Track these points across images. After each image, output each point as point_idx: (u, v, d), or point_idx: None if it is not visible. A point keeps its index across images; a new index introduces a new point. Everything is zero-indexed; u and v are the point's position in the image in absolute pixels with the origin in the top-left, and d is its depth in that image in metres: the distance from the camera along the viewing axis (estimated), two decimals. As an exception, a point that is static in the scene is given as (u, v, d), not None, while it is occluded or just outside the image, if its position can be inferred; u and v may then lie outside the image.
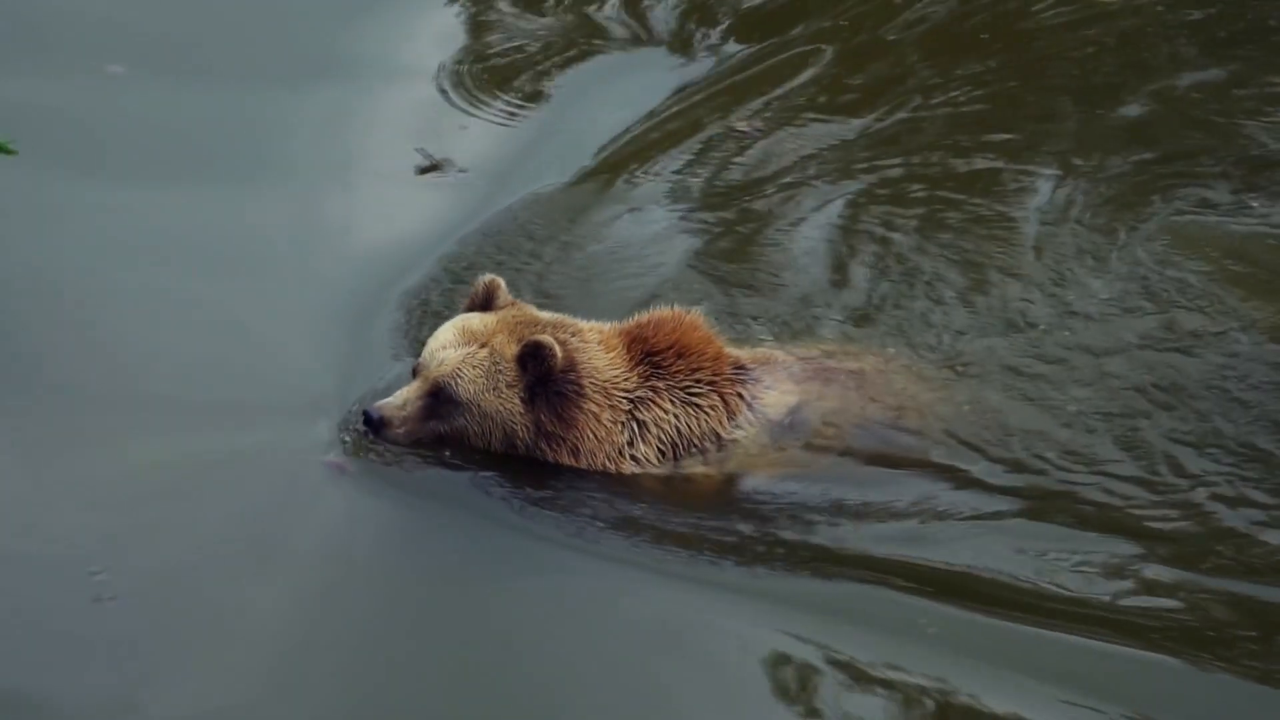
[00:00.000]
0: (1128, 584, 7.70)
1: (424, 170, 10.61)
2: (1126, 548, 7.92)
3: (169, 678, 7.17)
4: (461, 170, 10.68)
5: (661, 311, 8.33)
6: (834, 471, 8.26)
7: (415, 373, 8.10)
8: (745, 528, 7.99)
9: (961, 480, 8.24)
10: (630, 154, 11.02)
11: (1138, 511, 8.10)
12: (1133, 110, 11.17)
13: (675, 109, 11.44)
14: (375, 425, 7.92)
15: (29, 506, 8.00)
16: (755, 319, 9.23)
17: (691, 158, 10.93)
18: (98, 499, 8.00)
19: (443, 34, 12.03)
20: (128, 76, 11.15)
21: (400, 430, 7.95)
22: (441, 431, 8.00)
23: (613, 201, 10.46)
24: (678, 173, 10.77)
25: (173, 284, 9.34)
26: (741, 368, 8.32)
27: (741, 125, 11.04)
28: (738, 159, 10.86)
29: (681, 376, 8.17)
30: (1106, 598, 7.64)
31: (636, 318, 8.36)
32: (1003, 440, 8.37)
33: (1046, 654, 7.36)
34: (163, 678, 7.18)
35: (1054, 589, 7.67)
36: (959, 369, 8.72)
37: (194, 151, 10.60)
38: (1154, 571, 7.78)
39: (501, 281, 8.25)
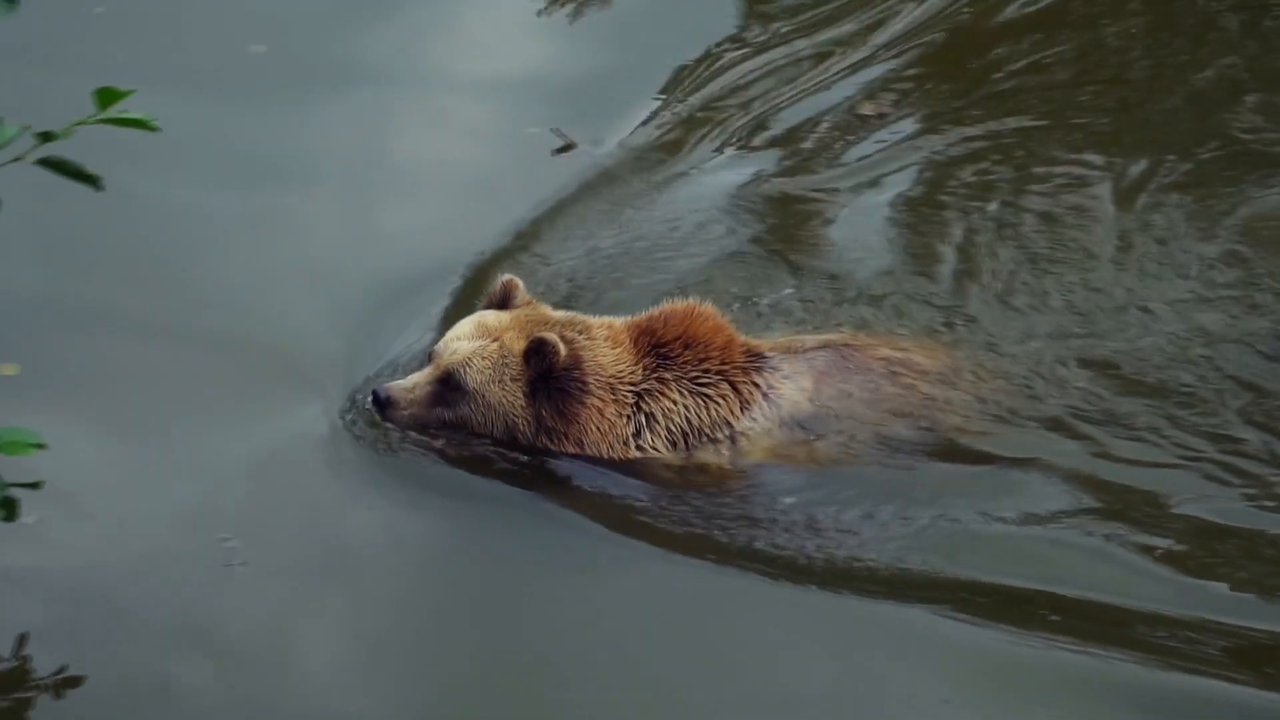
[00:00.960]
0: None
1: (560, 150, 10.82)
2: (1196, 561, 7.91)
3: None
4: (596, 147, 10.79)
5: (673, 304, 8.48)
6: (851, 467, 8.33)
7: (429, 360, 8.37)
8: (755, 521, 8.10)
9: (991, 484, 8.26)
10: (755, 135, 11.14)
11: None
12: (1241, 105, 11.09)
13: (794, 93, 11.51)
14: (382, 405, 8.24)
15: (160, 474, 8.28)
16: (841, 304, 9.35)
17: (816, 140, 11.04)
18: (225, 467, 8.37)
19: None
20: (268, 55, 11.35)
21: (406, 413, 8.26)
22: (446, 418, 8.28)
23: (729, 183, 10.62)
24: (803, 155, 10.87)
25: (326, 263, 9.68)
26: (757, 356, 8.44)
27: (868, 109, 11.05)
28: (863, 141, 10.96)
29: (689, 367, 8.34)
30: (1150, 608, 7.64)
31: (648, 311, 8.54)
32: (1051, 449, 8.38)
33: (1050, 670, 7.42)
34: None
35: (1097, 600, 7.66)
36: (1025, 370, 8.74)
37: (330, 132, 10.87)
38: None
39: (519, 282, 8.50)
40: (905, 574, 7.85)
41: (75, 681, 7.26)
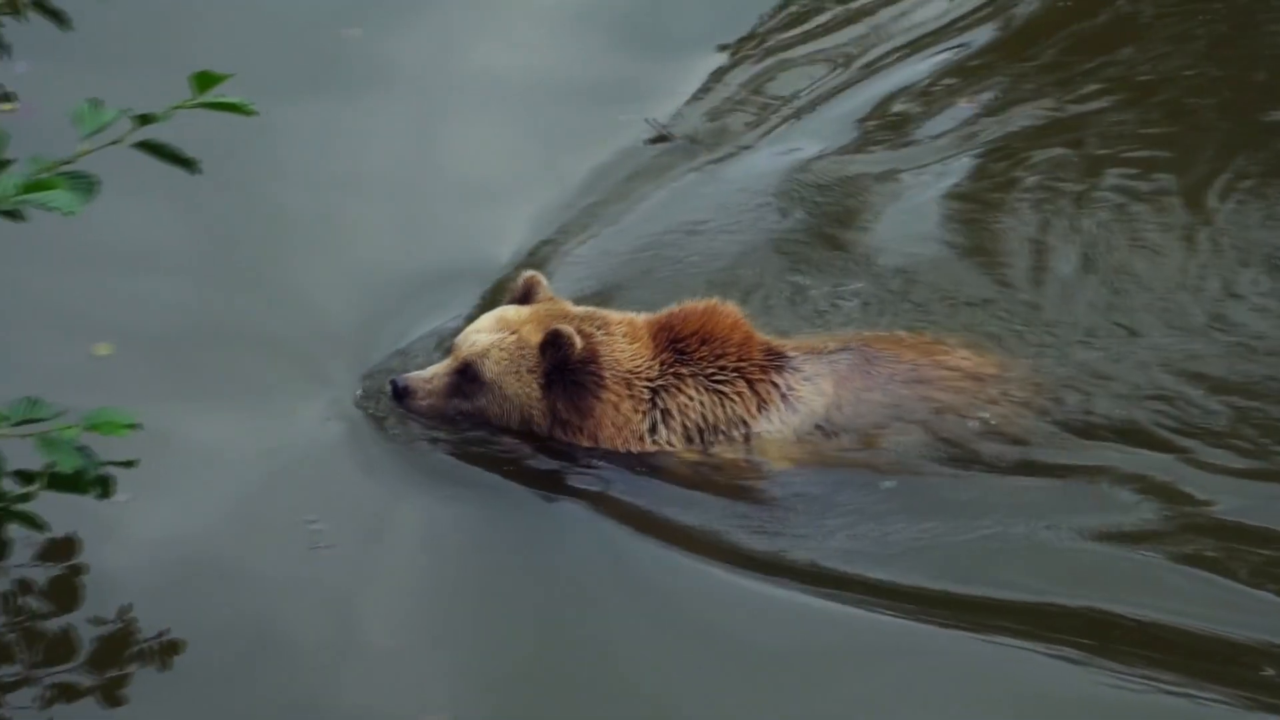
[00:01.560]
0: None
1: (653, 140, 10.82)
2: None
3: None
4: (691, 140, 10.77)
5: (694, 302, 8.48)
6: (866, 472, 8.28)
7: (449, 352, 8.44)
8: (765, 520, 8.10)
9: (1017, 502, 8.13)
10: (851, 125, 11.11)
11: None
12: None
13: (891, 90, 11.45)
14: (400, 394, 8.32)
15: (243, 454, 8.36)
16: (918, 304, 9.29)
17: (913, 135, 10.99)
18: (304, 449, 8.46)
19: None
20: (364, 39, 11.40)
21: (424, 402, 8.34)
22: (464, 409, 8.34)
23: (830, 174, 10.54)
24: (862, 143, 10.86)
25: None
26: (778, 356, 8.41)
27: (962, 103, 11.00)
28: (961, 138, 10.89)
29: (705, 363, 8.35)
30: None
31: (668, 308, 8.53)
32: (1094, 458, 8.28)
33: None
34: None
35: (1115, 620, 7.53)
36: (1075, 375, 8.66)
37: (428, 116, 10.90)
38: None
39: (541, 278, 8.56)
40: (921, 590, 7.76)
41: (176, 646, 7.39)
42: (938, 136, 10.91)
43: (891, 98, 11.33)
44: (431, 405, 8.36)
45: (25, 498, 5.77)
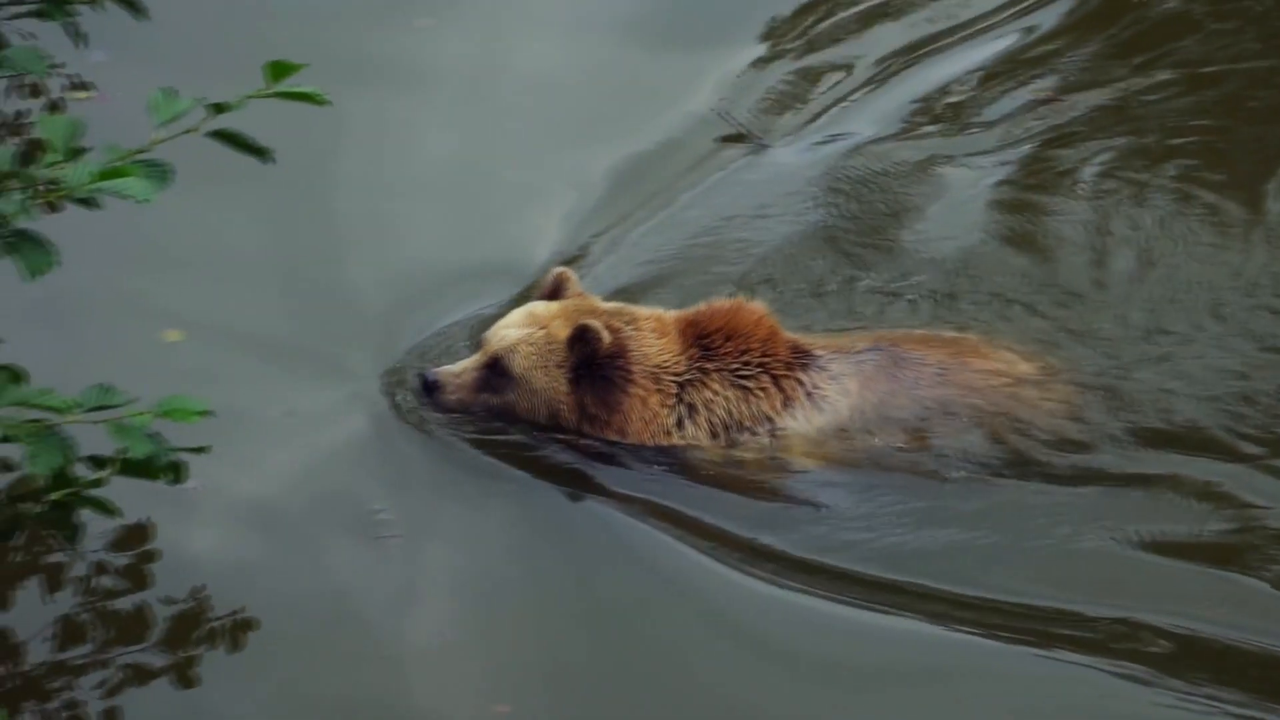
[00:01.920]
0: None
1: (732, 138, 10.81)
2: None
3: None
4: (762, 141, 10.74)
5: (721, 300, 8.51)
6: (889, 474, 8.28)
7: (479, 347, 8.47)
8: (799, 521, 8.12)
9: (1042, 509, 8.09)
10: (935, 118, 11.07)
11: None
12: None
13: (963, 78, 11.40)
14: (429, 388, 8.37)
15: (309, 445, 8.45)
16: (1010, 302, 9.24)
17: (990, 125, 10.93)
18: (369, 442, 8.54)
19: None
20: (435, 29, 11.43)
21: (453, 397, 8.38)
22: (493, 404, 8.38)
23: (920, 167, 10.53)
24: (973, 140, 10.80)
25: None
26: (804, 354, 8.42)
27: (1042, 94, 10.93)
28: (1038, 127, 10.82)
29: (730, 359, 8.36)
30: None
31: (696, 306, 8.56)
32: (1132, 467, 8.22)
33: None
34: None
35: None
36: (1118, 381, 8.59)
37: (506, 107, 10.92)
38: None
39: (571, 274, 8.59)
40: (939, 592, 7.77)
41: (250, 624, 7.46)
42: (996, 124, 10.84)
43: (951, 84, 11.27)
44: (460, 400, 8.41)
45: (97, 483, 5.79)
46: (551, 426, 8.40)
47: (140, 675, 7.27)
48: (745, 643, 7.62)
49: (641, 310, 8.50)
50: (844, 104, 11.14)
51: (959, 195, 10.17)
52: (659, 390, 8.32)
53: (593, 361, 8.26)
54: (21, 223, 5.32)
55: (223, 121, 5.55)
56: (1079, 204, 9.97)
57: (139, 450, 5.53)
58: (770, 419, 8.33)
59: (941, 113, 11.03)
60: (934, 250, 9.66)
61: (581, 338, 8.21)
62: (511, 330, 8.36)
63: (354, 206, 10.08)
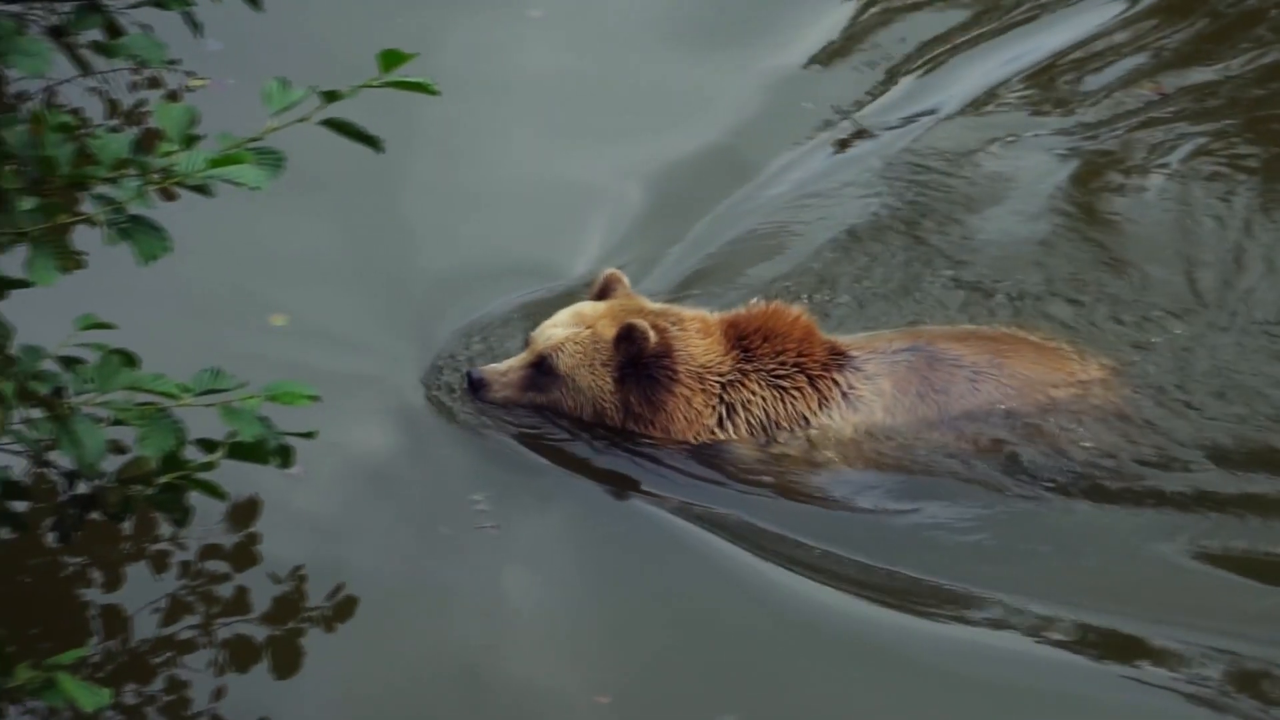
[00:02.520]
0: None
1: (843, 136, 10.78)
2: None
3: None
4: (868, 133, 10.74)
5: (758, 305, 8.57)
6: (921, 476, 8.30)
7: (526, 345, 8.55)
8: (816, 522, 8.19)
9: (1067, 516, 8.09)
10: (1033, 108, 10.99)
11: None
12: None
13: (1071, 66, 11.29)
14: (475, 385, 8.47)
15: (402, 435, 8.56)
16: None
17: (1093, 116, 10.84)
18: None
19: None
20: (545, 21, 11.47)
21: (499, 395, 8.48)
22: (539, 402, 8.47)
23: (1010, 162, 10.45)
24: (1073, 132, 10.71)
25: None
26: (840, 354, 8.46)
27: (1147, 87, 10.82)
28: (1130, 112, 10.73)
29: (767, 359, 8.42)
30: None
31: (737, 308, 8.64)
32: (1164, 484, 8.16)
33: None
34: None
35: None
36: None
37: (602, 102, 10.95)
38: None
39: (621, 275, 8.66)
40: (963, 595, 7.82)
41: (348, 607, 7.53)
42: (1083, 109, 10.75)
43: (1046, 63, 11.18)
44: (506, 397, 8.49)
45: (207, 467, 5.85)
46: (596, 424, 8.47)
47: (240, 655, 7.37)
48: (822, 640, 7.70)
49: (687, 311, 8.57)
50: (921, 87, 11.08)
51: (1038, 185, 10.10)
52: (703, 390, 8.38)
53: (639, 361, 8.33)
54: (137, 209, 5.36)
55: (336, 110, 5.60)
56: (1161, 193, 9.90)
57: (248, 433, 5.60)
58: (807, 419, 8.37)
59: (1026, 95, 10.96)
60: (1011, 243, 9.62)
61: (628, 337, 8.29)
62: (558, 329, 8.44)
63: (433, 196, 10.15)
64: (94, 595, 7.54)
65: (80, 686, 5.60)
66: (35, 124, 5.40)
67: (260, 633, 7.44)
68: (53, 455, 5.99)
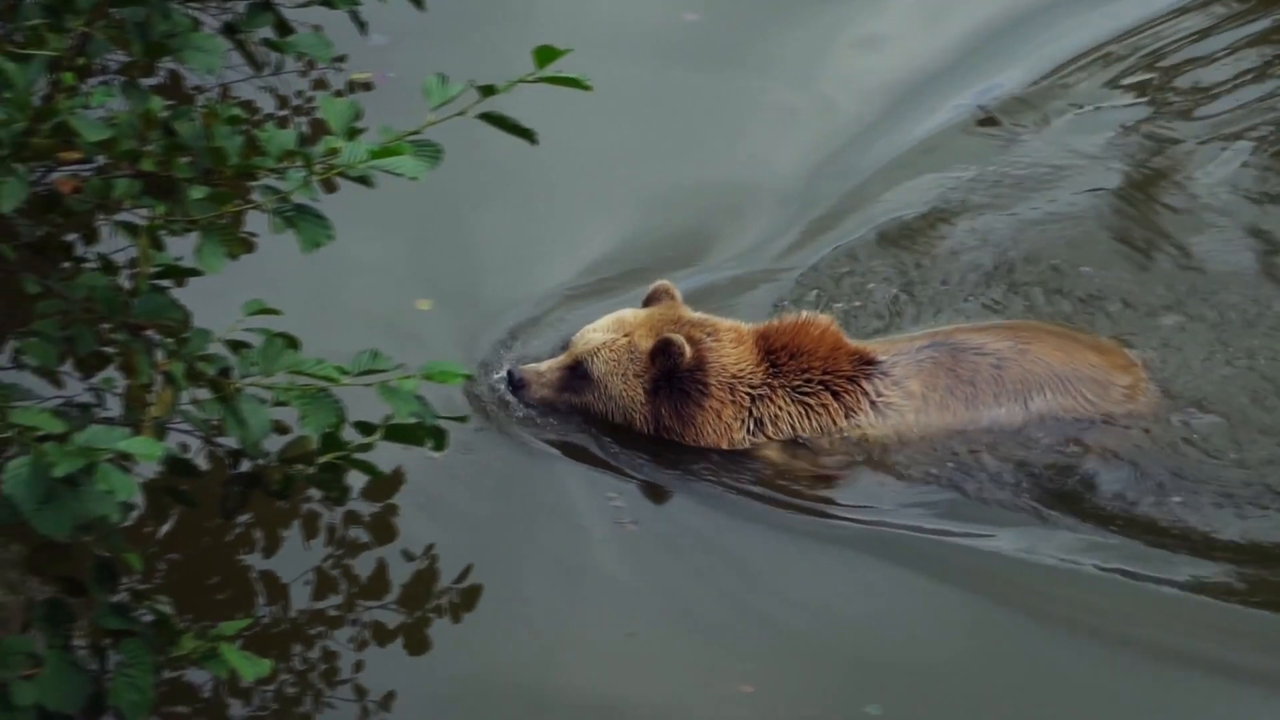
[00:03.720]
0: None
1: (982, 122, 10.81)
2: None
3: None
4: (1018, 125, 10.73)
5: (789, 316, 8.62)
6: (952, 473, 8.34)
7: (566, 347, 8.65)
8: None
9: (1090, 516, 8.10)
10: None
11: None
12: None
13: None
14: (516, 385, 8.59)
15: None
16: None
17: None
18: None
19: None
20: (700, 24, 11.52)
21: (537, 394, 8.59)
22: (573, 403, 8.58)
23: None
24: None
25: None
26: (868, 362, 8.49)
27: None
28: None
29: (793, 375, 8.46)
30: None
31: (768, 320, 8.68)
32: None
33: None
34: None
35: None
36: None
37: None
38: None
39: (671, 287, 8.69)
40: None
41: (474, 595, 7.70)
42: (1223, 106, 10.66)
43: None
44: (543, 398, 8.61)
45: (365, 447, 6.01)
46: (626, 426, 8.56)
47: (381, 631, 7.53)
48: (961, 633, 7.79)
49: (723, 322, 8.60)
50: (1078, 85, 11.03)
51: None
52: (734, 402, 8.45)
53: (673, 374, 8.40)
54: (301, 198, 5.52)
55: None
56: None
57: (405, 412, 5.74)
58: (832, 431, 8.44)
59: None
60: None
61: (664, 351, 8.37)
62: (596, 335, 8.55)
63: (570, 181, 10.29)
64: (254, 566, 7.78)
65: (242, 657, 5.76)
66: (207, 117, 5.60)
67: (394, 613, 7.61)
68: (219, 436, 6.16)
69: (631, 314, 8.65)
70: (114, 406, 6.13)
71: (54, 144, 5.29)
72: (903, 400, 8.43)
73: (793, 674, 7.58)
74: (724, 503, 8.37)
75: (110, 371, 6.01)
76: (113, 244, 6.78)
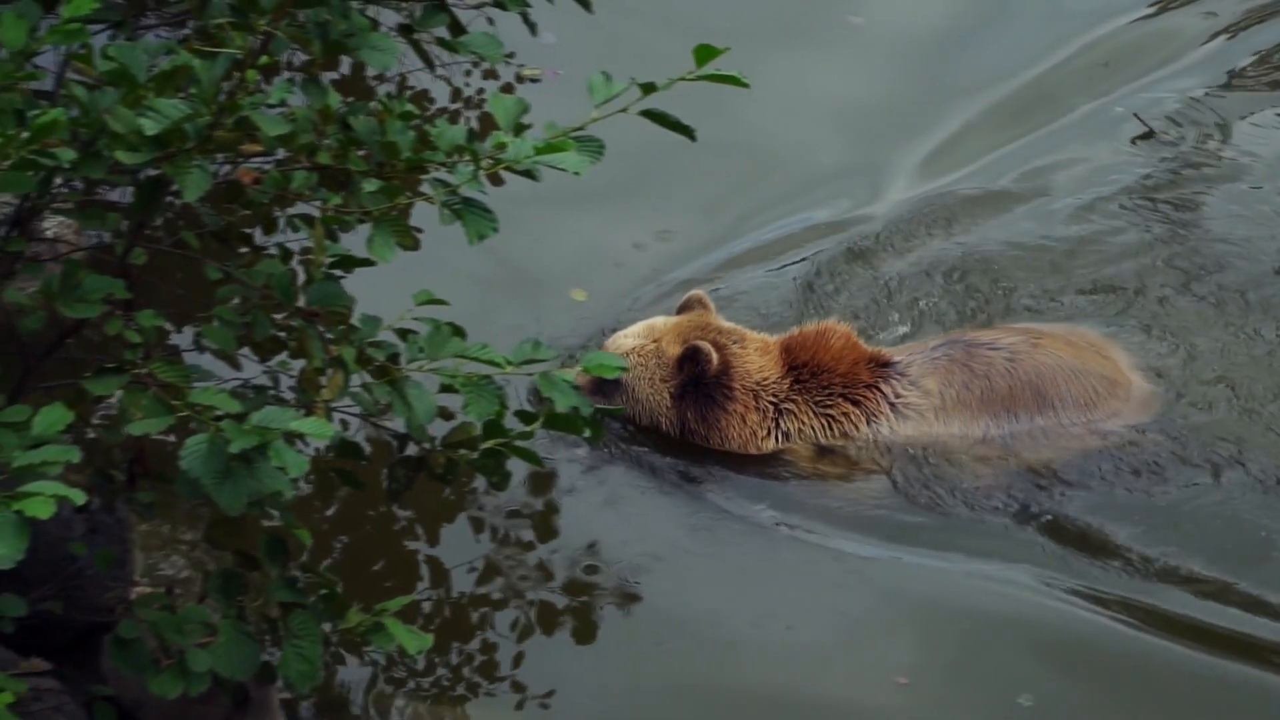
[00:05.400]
0: None
1: (1142, 137, 10.74)
2: None
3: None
4: (1178, 138, 10.68)
5: (809, 326, 8.72)
6: (975, 467, 8.39)
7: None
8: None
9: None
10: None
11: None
12: None
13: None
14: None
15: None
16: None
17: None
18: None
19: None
20: (865, 28, 11.58)
21: None
22: (602, 405, 8.38)
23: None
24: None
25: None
26: (885, 365, 8.59)
27: None
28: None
29: (816, 391, 8.57)
30: None
31: (790, 331, 8.77)
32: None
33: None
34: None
35: None
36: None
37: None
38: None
39: (704, 296, 8.80)
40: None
41: (634, 598, 7.87)
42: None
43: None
44: None
45: (526, 435, 6.12)
46: (653, 428, 8.65)
47: (544, 623, 7.73)
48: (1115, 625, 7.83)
49: (751, 332, 8.72)
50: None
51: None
52: (758, 409, 8.56)
53: (699, 381, 8.49)
54: (469, 192, 5.67)
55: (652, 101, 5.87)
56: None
57: (564, 403, 5.90)
58: (855, 436, 8.54)
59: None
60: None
61: (692, 358, 8.47)
62: (627, 339, 8.65)
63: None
64: (420, 548, 8.00)
65: (406, 630, 5.95)
66: (381, 113, 5.79)
67: (560, 601, 7.82)
68: (386, 419, 6.33)
69: (662, 321, 8.80)
70: (288, 389, 6.33)
71: (236, 138, 5.44)
72: (921, 399, 8.54)
73: (946, 666, 7.70)
74: (867, 506, 8.48)
75: (285, 356, 6.16)
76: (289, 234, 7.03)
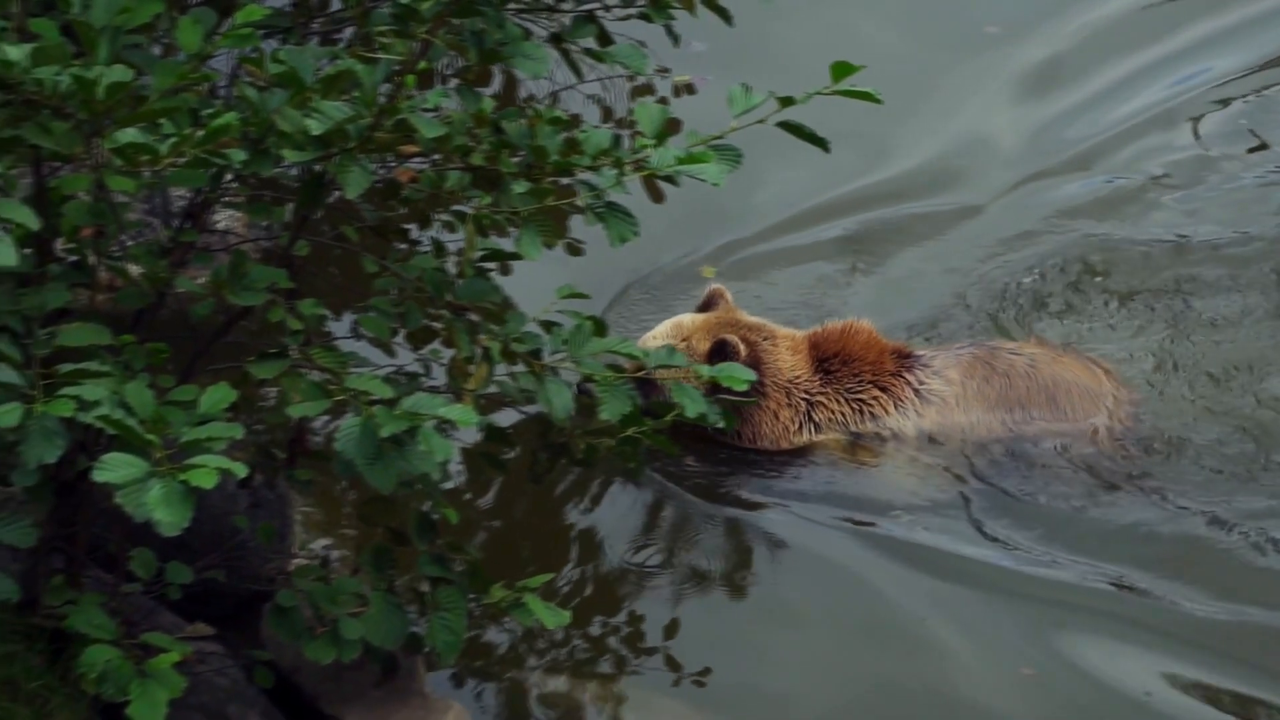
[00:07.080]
0: None
1: (1255, 148, 10.76)
2: None
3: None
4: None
5: (833, 322, 8.82)
6: (990, 457, 8.52)
7: None
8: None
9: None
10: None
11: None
12: None
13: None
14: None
15: None
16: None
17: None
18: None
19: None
20: (1001, 36, 11.63)
21: None
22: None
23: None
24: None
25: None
26: (908, 356, 8.72)
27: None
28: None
29: (845, 379, 8.66)
30: None
31: (814, 327, 8.83)
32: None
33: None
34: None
35: None
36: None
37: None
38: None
39: (724, 291, 8.82)
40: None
41: (743, 591, 8.11)
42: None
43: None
44: None
45: (663, 425, 6.43)
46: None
47: (703, 601, 8.02)
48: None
49: (780, 328, 8.78)
50: None
51: None
52: (790, 405, 8.66)
53: None
54: (613, 195, 5.90)
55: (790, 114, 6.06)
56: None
57: (693, 410, 6.18)
58: (885, 421, 8.65)
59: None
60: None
61: (720, 351, 8.47)
62: (656, 340, 8.65)
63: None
64: (560, 529, 8.28)
65: (545, 607, 6.25)
66: (532, 118, 6.02)
67: (719, 587, 8.09)
68: (530, 405, 6.63)
69: (689, 318, 8.87)
70: (438, 377, 6.56)
71: (395, 139, 5.67)
72: (944, 387, 8.71)
73: (1070, 658, 7.80)
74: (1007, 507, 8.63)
75: (436, 344, 6.42)
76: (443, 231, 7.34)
